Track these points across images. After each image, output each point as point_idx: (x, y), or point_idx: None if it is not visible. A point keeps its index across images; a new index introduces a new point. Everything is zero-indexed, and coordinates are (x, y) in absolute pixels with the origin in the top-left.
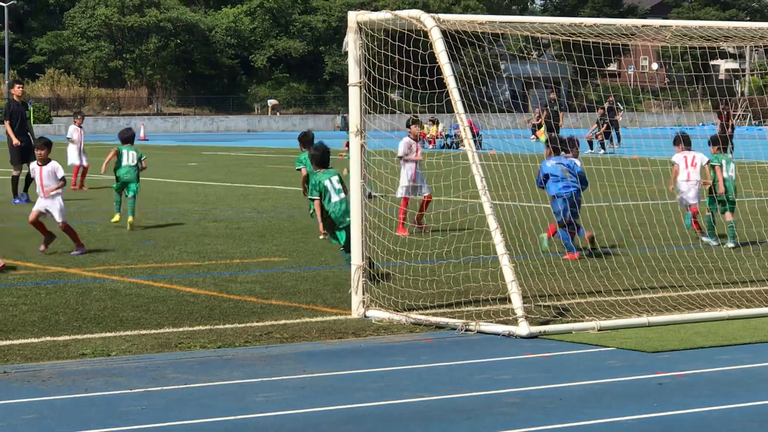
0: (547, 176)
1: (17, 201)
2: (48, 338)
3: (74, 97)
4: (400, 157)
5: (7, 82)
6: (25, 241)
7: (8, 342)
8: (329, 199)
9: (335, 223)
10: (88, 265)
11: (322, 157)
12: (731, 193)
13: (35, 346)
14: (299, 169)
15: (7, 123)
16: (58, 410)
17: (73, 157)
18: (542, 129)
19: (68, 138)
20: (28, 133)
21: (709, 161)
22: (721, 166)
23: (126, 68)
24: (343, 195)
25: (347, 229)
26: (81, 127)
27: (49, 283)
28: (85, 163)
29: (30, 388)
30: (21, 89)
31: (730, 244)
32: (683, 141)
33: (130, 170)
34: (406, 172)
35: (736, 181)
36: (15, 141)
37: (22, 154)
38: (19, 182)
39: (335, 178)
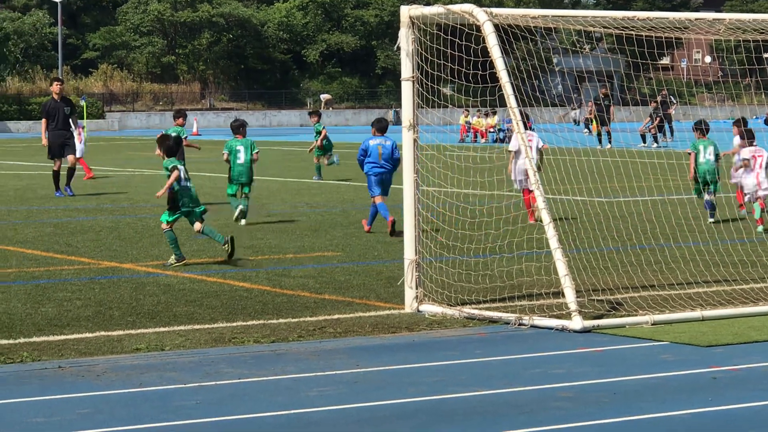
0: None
1: (59, 194)
2: (102, 333)
3: (127, 92)
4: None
5: (60, 77)
6: (77, 236)
7: (63, 337)
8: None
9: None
10: (141, 260)
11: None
12: (712, 176)
13: (89, 340)
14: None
15: (43, 121)
16: (112, 405)
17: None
18: (595, 123)
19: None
20: (70, 129)
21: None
22: (698, 152)
23: (179, 63)
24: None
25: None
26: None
27: (103, 278)
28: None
29: (84, 382)
30: (60, 87)
31: (711, 220)
32: (743, 125)
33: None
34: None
35: (717, 164)
36: (44, 141)
37: (60, 149)
38: (60, 177)
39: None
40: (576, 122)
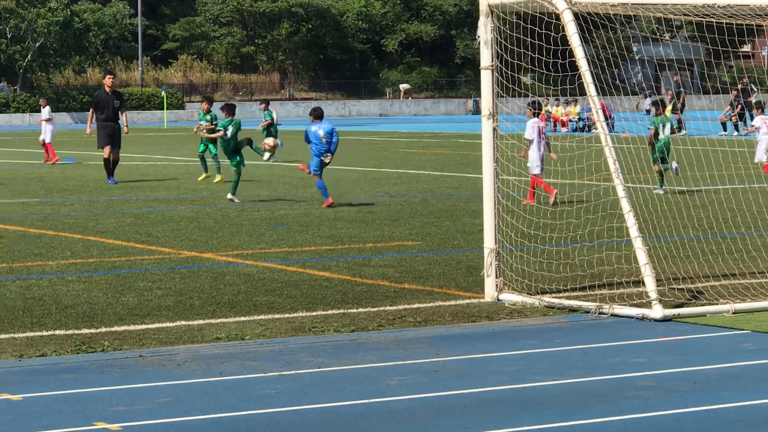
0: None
1: (111, 182)
2: (183, 322)
3: (207, 82)
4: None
5: (140, 68)
6: (158, 226)
7: (144, 326)
8: None
9: None
10: (221, 249)
11: None
12: (668, 149)
13: (170, 330)
14: (219, 130)
15: (91, 111)
16: (193, 394)
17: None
18: (668, 109)
19: (44, 119)
20: (118, 121)
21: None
22: (656, 128)
23: (258, 54)
24: None
25: None
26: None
27: (184, 267)
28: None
29: (165, 371)
30: (111, 80)
31: (660, 191)
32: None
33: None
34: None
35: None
36: (87, 131)
37: (109, 138)
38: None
39: None
40: (648, 111)
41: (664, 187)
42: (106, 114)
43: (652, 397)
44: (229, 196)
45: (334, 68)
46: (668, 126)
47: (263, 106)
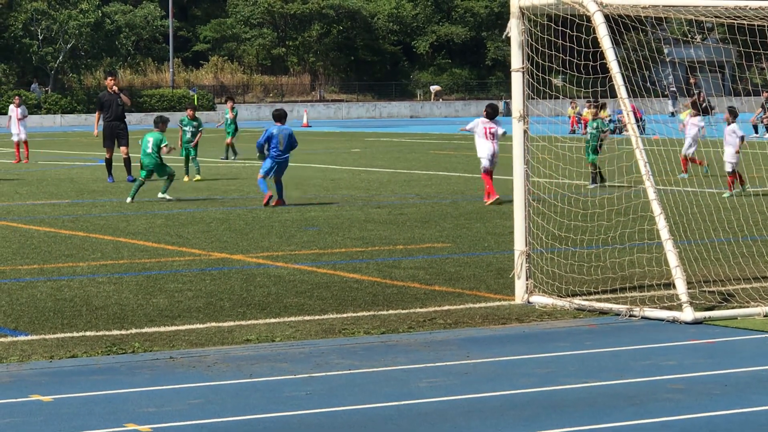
0: (268, 139)
1: (111, 180)
2: (213, 324)
3: (237, 84)
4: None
5: (171, 70)
6: (188, 228)
7: (174, 327)
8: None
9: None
10: (252, 251)
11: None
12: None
13: (200, 331)
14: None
15: (97, 112)
16: (223, 395)
17: (13, 133)
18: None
19: (20, 118)
20: (124, 120)
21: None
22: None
23: (289, 55)
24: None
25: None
26: (19, 107)
27: (214, 269)
28: (23, 138)
29: (195, 373)
30: (113, 81)
31: (591, 186)
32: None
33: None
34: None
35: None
36: (95, 132)
37: (112, 138)
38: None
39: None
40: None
41: (596, 184)
42: (111, 113)
43: (683, 400)
44: (162, 195)
45: (365, 70)
46: (596, 124)
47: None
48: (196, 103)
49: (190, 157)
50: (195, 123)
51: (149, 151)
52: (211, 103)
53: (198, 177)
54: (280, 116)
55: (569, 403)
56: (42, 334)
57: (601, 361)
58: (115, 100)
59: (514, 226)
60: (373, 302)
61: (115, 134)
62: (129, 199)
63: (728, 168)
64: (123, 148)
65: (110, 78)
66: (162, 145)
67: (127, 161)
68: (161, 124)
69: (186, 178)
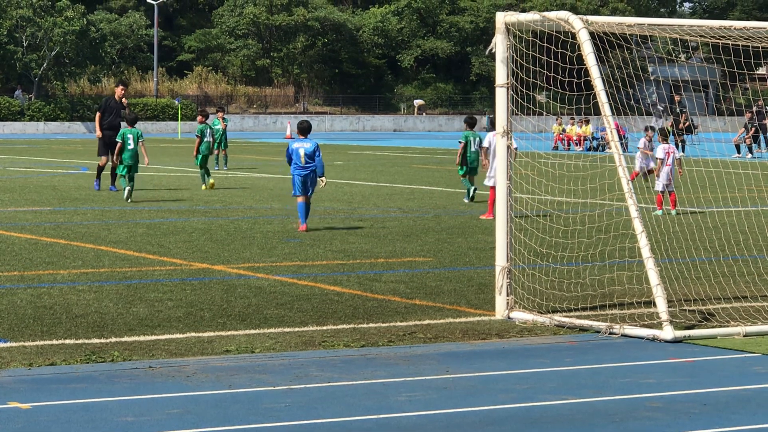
0: (289, 155)
1: (96, 187)
2: (193, 334)
3: (221, 94)
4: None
5: (155, 79)
6: (170, 237)
7: (154, 337)
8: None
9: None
10: (233, 262)
11: None
12: (474, 162)
13: (180, 341)
14: (198, 136)
15: (98, 114)
16: (202, 405)
17: None
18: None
19: None
20: (119, 130)
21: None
22: (467, 143)
23: (273, 67)
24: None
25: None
26: None
27: (195, 279)
28: None
29: (174, 383)
30: (122, 91)
31: (466, 200)
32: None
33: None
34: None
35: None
36: (98, 132)
37: (108, 146)
38: (103, 173)
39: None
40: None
41: (472, 193)
42: (109, 121)
43: (662, 419)
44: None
45: (349, 83)
46: (477, 140)
47: (201, 118)
48: (179, 113)
49: (206, 165)
50: (210, 129)
51: (131, 146)
52: (195, 113)
53: (212, 181)
54: (302, 129)
55: (548, 419)
56: (21, 341)
57: (581, 378)
58: (119, 108)
59: (495, 242)
60: (353, 315)
61: (110, 143)
62: (127, 196)
63: (659, 187)
64: (115, 158)
65: (121, 87)
66: (140, 140)
67: (115, 171)
68: (136, 121)
69: (204, 187)
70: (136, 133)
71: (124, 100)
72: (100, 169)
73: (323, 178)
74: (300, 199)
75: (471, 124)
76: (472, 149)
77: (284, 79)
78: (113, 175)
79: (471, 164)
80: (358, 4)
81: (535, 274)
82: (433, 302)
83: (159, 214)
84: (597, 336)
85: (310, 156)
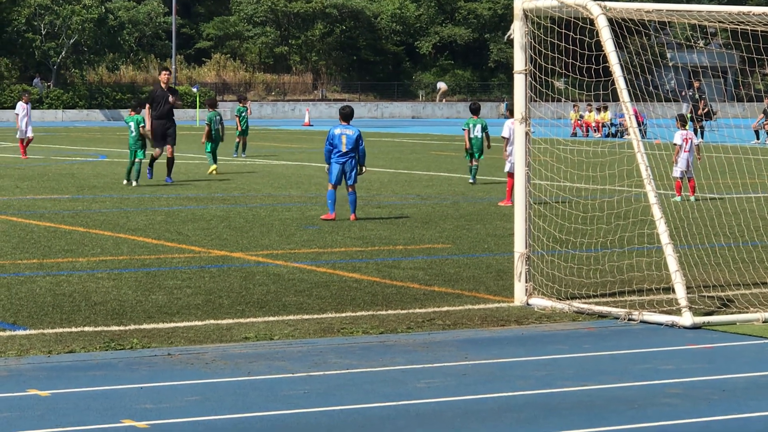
0: (330, 140)
1: (150, 176)
2: (211, 321)
3: (240, 82)
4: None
5: (173, 67)
6: (188, 225)
7: (173, 324)
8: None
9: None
10: (251, 249)
11: None
12: (476, 148)
13: (199, 329)
14: (208, 124)
15: (147, 107)
16: (220, 393)
17: (20, 131)
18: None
19: (16, 113)
20: (172, 118)
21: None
22: (469, 129)
23: (291, 54)
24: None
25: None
26: (28, 104)
27: (213, 266)
28: (29, 135)
29: (193, 370)
30: (168, 76)
31: (471, 181)
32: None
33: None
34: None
35: (482, 140)
36: (148, 125)
37: (161, 138)
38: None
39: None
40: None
41: (474, 179)
42: (159, 111)
43: (680, 405)
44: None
45: (367, 70)
46: (479, 126)
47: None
48: (198, 100)
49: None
50: (219, 117)
51: (133, 133)
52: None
53: (214, 166)
54: (345, 115)
55: (567, 406)
56: (40, 328)
57: (600, 364)
58: (167, 96)
59: (514, 228)
60: (372, 302)
61: (163, 133)
62: (134, 183)
63: (677, 173)
64: (168, 148)
65: (164, 72)
66: (140, 126)
67: (170, 161)
68: (138, 107)
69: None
70: (136, 120)
71: (162, 84)
72: (154, 159)
73: (365, 167)
74: (330, 187)
75: (474, 110)
76: (472, 135)
77: (302, 66)
78: (169, 166)
79: (473, 149)
80: None
81: (554, 261)
82: (452, 289)
83: (177, 202)
84: (616, 322)
85: (353, 143)
